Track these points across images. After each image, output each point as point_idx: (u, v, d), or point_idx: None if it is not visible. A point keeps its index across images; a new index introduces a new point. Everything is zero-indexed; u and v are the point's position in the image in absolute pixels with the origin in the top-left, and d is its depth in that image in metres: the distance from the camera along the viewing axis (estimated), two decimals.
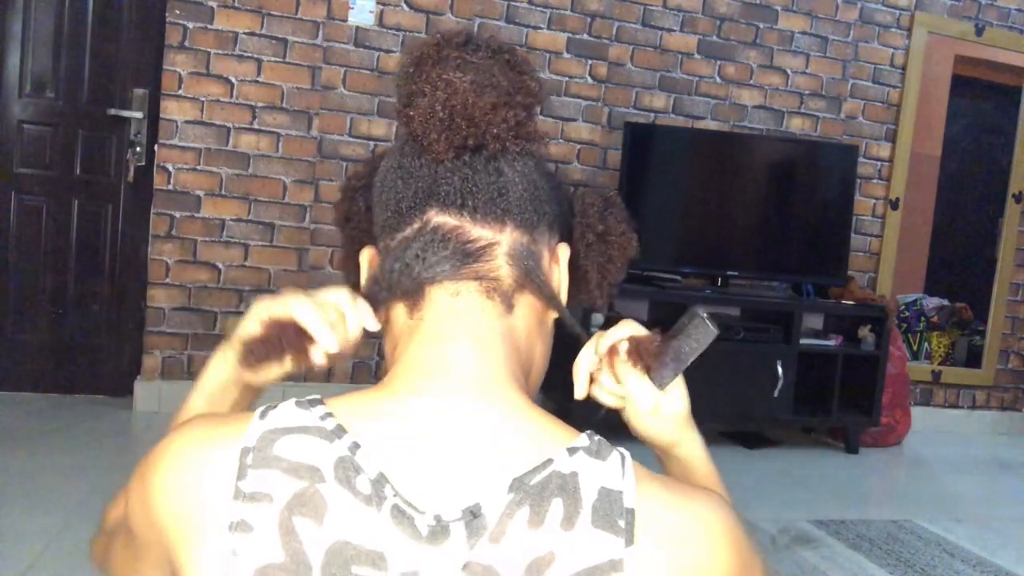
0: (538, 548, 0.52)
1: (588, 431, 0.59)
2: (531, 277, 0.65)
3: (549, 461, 0.55)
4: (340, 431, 0.55)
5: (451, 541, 0.53)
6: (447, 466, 0.55)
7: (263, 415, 0.56)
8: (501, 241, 0.64)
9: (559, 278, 0.70)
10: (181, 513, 0.54)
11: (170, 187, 3.34)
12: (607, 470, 0.55)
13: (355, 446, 0.55)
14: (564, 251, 0.71)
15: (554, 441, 0.57)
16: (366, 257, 0.73)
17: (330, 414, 0.56)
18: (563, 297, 0.71)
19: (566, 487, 0.54)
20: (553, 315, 0.70)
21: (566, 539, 0.53)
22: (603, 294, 0.76)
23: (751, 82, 3.99)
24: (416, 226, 0.64)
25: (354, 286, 0.72)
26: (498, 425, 0.58)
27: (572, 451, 0.56)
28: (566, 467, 0.55)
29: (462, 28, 0.68)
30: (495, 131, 0.64)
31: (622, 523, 0.53)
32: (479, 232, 0.64)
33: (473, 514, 0.53)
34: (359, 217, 0.80)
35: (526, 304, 0.67)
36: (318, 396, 0.58)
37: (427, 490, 0.54)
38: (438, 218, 0.64)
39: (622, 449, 0.58)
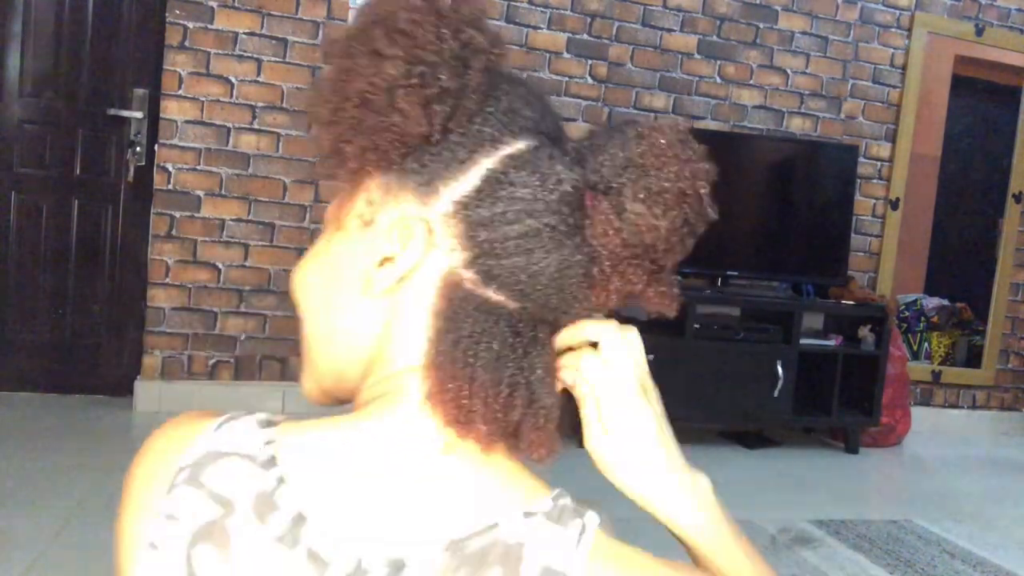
0: None
1: (559, 489, 0.52)
2: None
3: (494, 526, 0.49)
4: (271, 463, 0.51)
5: None
6: (378, 508, 0.50)
7: (218, 427, 0.54)
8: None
9: None
10: (125, 518, 0.54)
11: (170, 187, 3.34)
12: (560, 542, 0.48)
13: (280, 480, 0.50)
14: None
15: (510, 500, 0.50)
16: (423, 237, 0.52)
17: (272, 441, 0.52)
18: None
19: (508, 559, 0.48)
20: None
21: None
22: (671, 302, 0.61)
23: (751, 82, 3.99)
24: (513, 305, 0.53)
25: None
26: (451, 471, 0.51)
27: (528, 515, 0.49)
28: (512, 536, 0.48)
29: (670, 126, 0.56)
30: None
31: None
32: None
33: (396, 568, 0.48)
34: (407, 138, 0.52)
35: None
36: (279, 417, 0.54)
37: (350, 531, 0.49)
38: (537, 326, 0.54)
39: (593, 514, 0.50)
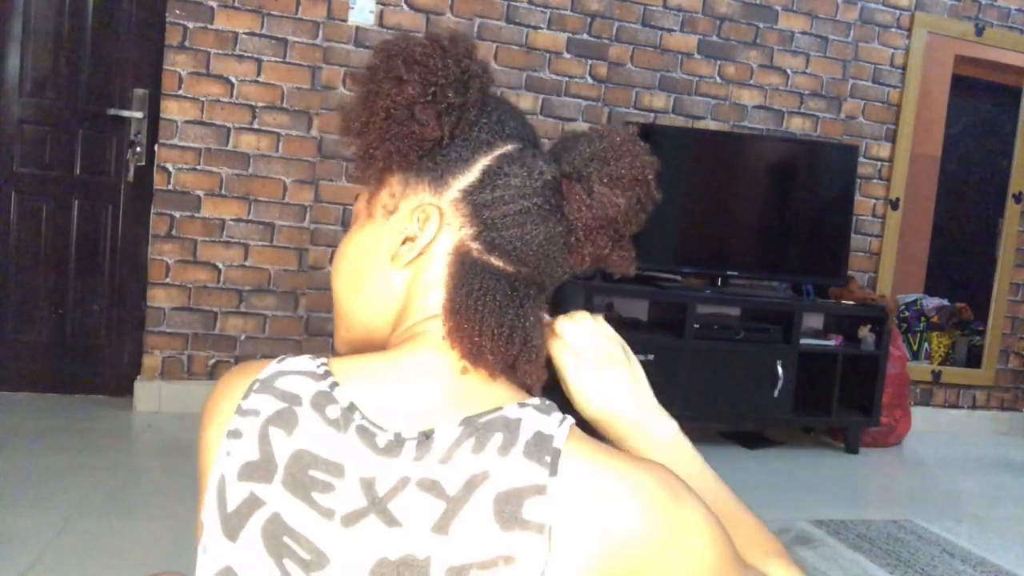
0: (477, 467, 0.61)
1: (543, 397, 0.67)
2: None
3: (499, 408, 0.64)
4: (327, 375, 0.68)
5: (404, 454, 0.63)
6: (413, 402, 0.66)
7: (280, 360, 0.71)
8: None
9: None
10: (208, 425, 0.69)
11: (170, 187, 3.34)
12: (547, 421, 0.63)
13: (334, 384, 0.67)
14: None
15: (511, 397, 0.66)
16: (435, 218, 0.70)
17: (325, 364, 0.69)
18: None
19: (508, 426, 0.63)
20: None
21: (501, 463, 0.61)
22: (627, 260, 0.80)
23: (751, 82, 3.99)
24: (511, 269, 0.71)
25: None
26: (466, 380, 0.67)
27: (522, 405, 0.65)
28: (513, 414, 0.64)
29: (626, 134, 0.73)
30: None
31: (548, 458, 0.61)
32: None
33: (426, 436, 0.63)
34: (423, 142, 0.69)
35: None
36: (327, 357, 0.71)
37: (392, 416, 0.65)
38: (530, 289, 0.72)
39: (570, 416, 0.65)
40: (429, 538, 0.61)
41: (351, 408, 0.65)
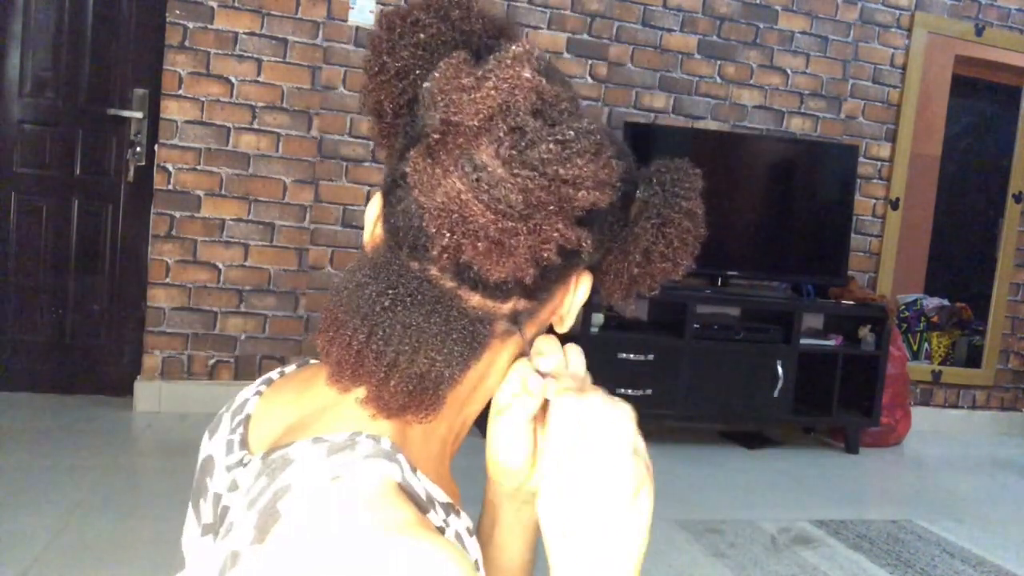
0: (234, 515, 0.56)
1: (373, 437, 0.54)
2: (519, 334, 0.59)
3: (291, 444, 0.56)
4: (267, 383, 0.68)
5: (232, 476, 0.62)
6: (275, 417, 0.63)
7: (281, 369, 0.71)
8: (500, 310, 0.57)
9: (568, 307, 0.62)
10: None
11: (170, 187, 3.34)
12: (313, 469, 0.52)
13: (259, 393, 0.67)
14: (585, 281, 0.62)
15: (317, 428, 0.57)
16: (376, 208, 0.61)
17: (282, 372, 0.69)
18: (570, 320, 0.63)
19: (276, 471, 0.54)
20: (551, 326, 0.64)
21: (245, 516, 0.54)
22: (627, 303, 0.67)
23: (751, 82, 3.99)
24: (414, 265, 0.55)
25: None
26: (322, 405, 0.60)
27: (318, 441, 0.54)
28: (295, 453, 0.54)
29: (532, 83, 0.50)
30: (518, 273, 0.54)
31: (267, 520, 0.51)
32: (478, 300, 0.56)
33: (244, 464, 0.61)
34: (386, 119, 0.61)
35: (500, 348, 0.60)
36: (313, 362, 0.68)
37: (258, 430, 0.63)
38: (436, 273, 0.55)
39: (372, 468, 0.52)
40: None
41: (244, 420, 0.65)
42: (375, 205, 0.60)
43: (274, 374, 0.69)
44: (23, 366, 3.39)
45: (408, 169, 0.53)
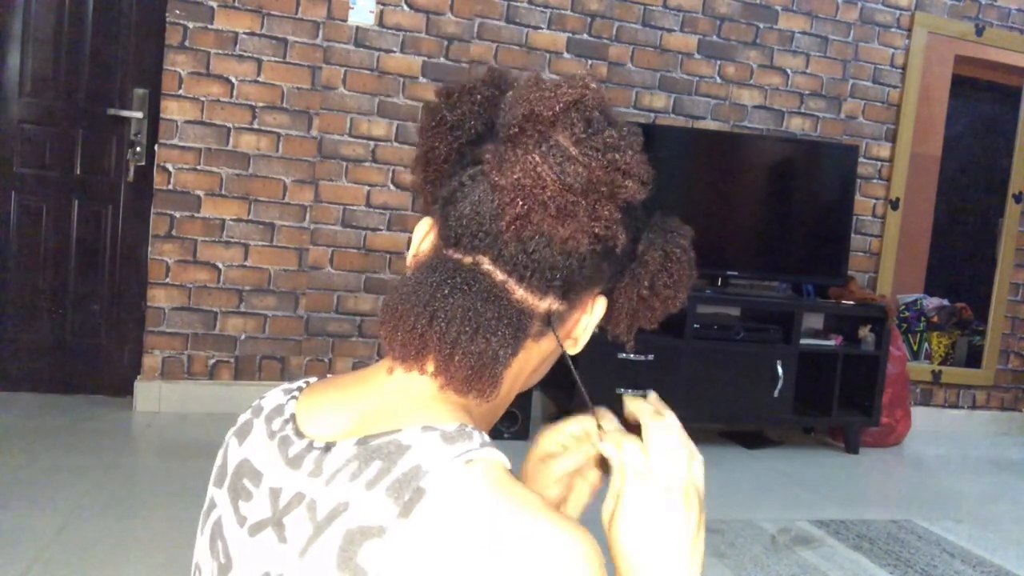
0: (343, 496, 0.58)
1: (477, 429, 0.60)
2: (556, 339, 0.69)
3: (396, 430, 0.60)
4: (298, 390, 0.71)
5: (304, 466, 0.62)
6: (341, 409, 0.65)
7: (292, 382, 0.74)
8: (538, 307, 0.66)
9: (585, 325, 0.72)
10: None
11: (170, 187, 3.34)
12: (440, 453, 0.57)
13: (293, 397, 0.70)
14: (601, 304, 0.71)
15: (425, 418, 0.61)
16: (422, 229, 0.70)
17: (307, 383, 0.72)
18: (584, 338, 0.72)
19: (392, 454, 0.58)
20: (567, 346, 0.72)
21: (364, 496, 0.57)
22: (628, 337, 0.77)
23: (751, 82, 3.99)
24: (467, 260, 0.65)
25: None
26: (396, 388, 0.65)
27: (427, 429, 0.59)
28: (407, 439, 0.59)
29: (587, 95, 0.63)
30: (568, 243, 0.63)
31: (407, 497, 0.55)
32: (521, 294, 0.65)
33: (326, 449, 0.62)
34: (435, 164, 0.72)
35: (532, 348, 0.69)
36: (327, 376, 0.73)
37: (318, 424, 0.65)
38: (488, 266, 0.64)
39: (493, 455, 0.58)
40: (295, 562, 0.59)
41: (289, 419, 0.67)
42: (423, 225, 0.69)
43: (297, 383, 0.72)
44: (23, 366, 3.39)
45: (486, 156, 0.63)
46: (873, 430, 3.87)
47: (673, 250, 0.74)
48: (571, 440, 0.76)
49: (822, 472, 3.52)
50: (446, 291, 0.62)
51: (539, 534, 0.53)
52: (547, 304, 0.66)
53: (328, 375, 0.73)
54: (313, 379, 0.73)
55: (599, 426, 0.71)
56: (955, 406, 4.49)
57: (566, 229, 0.62)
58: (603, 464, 0.73)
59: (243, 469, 0.67)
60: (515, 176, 0.61)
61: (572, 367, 0.70)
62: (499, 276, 0.64)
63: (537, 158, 0.60)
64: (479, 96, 0.71)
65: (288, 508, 0.61)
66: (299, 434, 0.65)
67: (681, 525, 0.65)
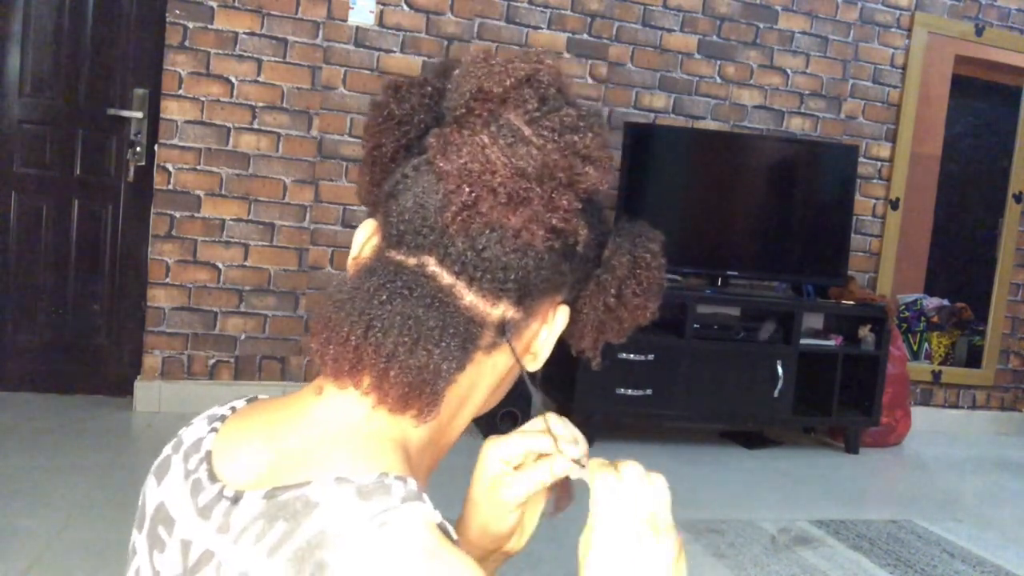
0: (246, 563, 0.52)
1: (401, 476, 0.53)
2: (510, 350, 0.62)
3: (307, 483, 0.53)
4: (221, 419, 0.63)
5: (213, 518, 0.56)
6: (258, 456, 0.58)
7: (223, 404, 0.66)
8: (490, 315, 0.59)
9: (545, 337, 0.65)
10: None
11: (170, 187, 3.34)
12: (349, 515, 0.50)
13: (214, 430, 0.62)
14: (563, 313, 0.65)
15: (336, 461, 0.54)
16: (365, 231, 0.64)
17: (233, 408, 0.65)
18: (545, 353, 0.66)
19: (298, 515, 0.51)
20: (526, 361, 0.65)
21: (265, 566, 0.50)
22: (595, 352, 0.70)
23: (751, 82, 3.99)
24: (411, 262, 0.58)
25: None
26: (318, 433, 0.57)
27: (341, 481, 0.52)
28: (316, 495, 0.52)
29: (540, 70, 0.57)
30: (522, 238, 0.57)
31: (308, 572, 0.48)
32: (471, 299, 0.58)
33: (234, 501, 0.55)
34: (381, 163, 0.65)
35: (484, 363, 0.62)
36: (263, 397, 0.66)
37: (233, 466, 0.59)
38: (434, 268, 0.58)
39: (414, 514, 0.50)
40: None
41: (204, 458, 0.60)
42: (366, 227, 0.63)
43: (223, 409, 0.65)
44: (23, 366, 3.39)
45: (430, 141, 0.57)
46: (873, 430, 3.87)
47: (643, 255, 0.66)
48: (518, 457, 0.67)
49: (822, 472, 3.52)
50: (384, 297, 0.56)
51: None
52: (500, 311, 0.59)
53: (260, 396, 0.66)
54: (241, 402, 0.65)
55: (565, 467, 0.64)
56: (955, 406, 4.49)
57: (518, 218, 0.55)
58: (560, 487, 0.68)
59: (159, 514, 0.61)
60: (461, 160, 0.55)
61: (532, 387, 0.64)
62: (446, 279, 0.57)
63: (486, 139, 0.55)
64: (430, 88, 0.63)
65: (198, 566, 0.55)
66: (212, 477, 0.58)
67: (663, 552, 0.58)
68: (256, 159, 3.41)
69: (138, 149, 3.39)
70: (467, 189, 0.55)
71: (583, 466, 0.63)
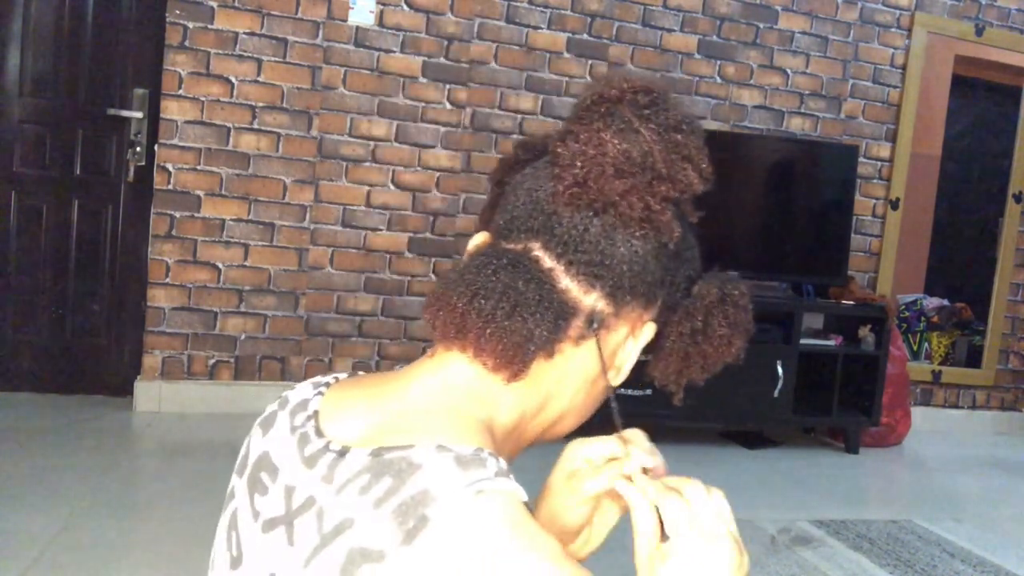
0: (350, 511, 0.56)
1: (494, 455, 0.57)
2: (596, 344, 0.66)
3: (411, 446, 0.57)
4: (326, 385, 0.69)
5: (318, 469, 0.61)
6: (361, 419, 0.63)
7: (324, 375, 0.73)
8: (582, 302, 0.64)
9: (627, 353, 0.69)
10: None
11: (170, 187, 3.34)
12: (451, 479, 0.54)
13: (320, 393, 0.68)
14: (649, 330, 0.69)
15: (439, 435, 0.59)
16: (477, 240, 0.71)
17: (336, 379, 0.70)
18: (625, 371, 0.70)
19: (403, 472, 0.56)
20: (611, 376, 0.69)
21: (371, 515, 0.55)
22: (679, 385, 0.72)
23: (751, 82, 3.99)
24: (518, 247, 0.65)
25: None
26: (417, 407, 0.62)
27: (442, 449, 0.57)
28: (419, 458, 0.56)
29: (654, 85, 0.65)
30: (621, 210, 0.63)
31: (411, 523, 0.53)
32: (567, 284, 0.64)
33: (341, 455, 0.60)
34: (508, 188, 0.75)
35: (572, 357, 0.66)
36: (361, 373, 0.72)
37: (340, 423, 0.64)
38: (538, 252, 0.64)
39: (507, 487, 0.55)
40: (300, 571, 0.58)
41: (311, 416, 0.66)
42: (477, 237, 0.70)
43: (327, 378, 0.71)
44: (23, 366, 3.39)
45: (550, 137, 0.65)
46: (873, 430, 3.87)
47: (731, 291, 0.72)
48: (599, 459, 0.71)
49: (822, 472, 3.52)
50: (489, 271, 0.62)
51: (555, 569, 0.51)
52: (592, 300, 0.64)
53: (360, 373, 0.72)
54: (343, 375, 0.71)
55: (635, 466, 0.67)
56: (955, 406, 4.49)
57: (621, 186, 0.61)
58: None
59: (263, 462, 0.66)
60: (578, 145, 0.62)
61: (616, 413, 0.67)
62: (547, 263, 0.64)
63: (601, 125, 0.62)
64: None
65: (300, 510, 0.60)
66: (319, 432, 0.64)
67: (730, 569, 0.61)
68: (256, 159, 3.41)
69: (138, 149, 3.39)
70: (579, 165, 0.62)
71: (647, 473, 0.65)
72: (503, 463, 0.57)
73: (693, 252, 0.71)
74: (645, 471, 0.66)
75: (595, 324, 0.65)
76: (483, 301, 0.61)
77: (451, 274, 0.65)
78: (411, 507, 0.54)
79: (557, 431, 0.71)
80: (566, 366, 0.66)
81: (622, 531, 0.67)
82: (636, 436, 0.69)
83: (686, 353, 0.70)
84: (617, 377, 0.69)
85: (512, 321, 0.61)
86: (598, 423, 0.73)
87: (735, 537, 0.62)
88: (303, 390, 0.69)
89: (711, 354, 0.70)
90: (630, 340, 0.68)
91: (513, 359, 0.62)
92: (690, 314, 0.70)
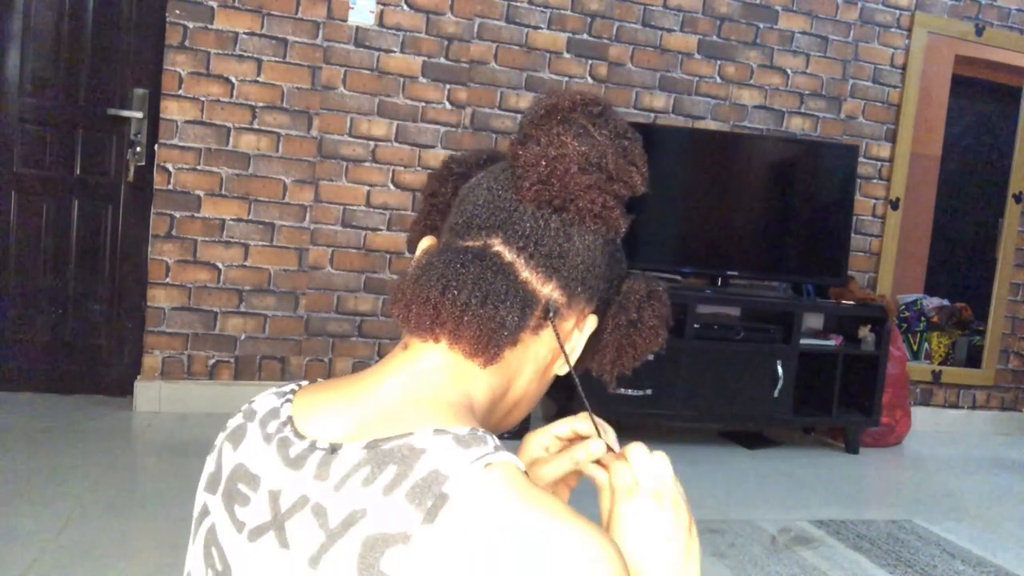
0: (359, 503, 0.57)
1: (488, 434, 0.60)
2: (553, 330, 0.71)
3: (408, 434, 0.59)
4: (291, 392, 0.71)
5: (307, 468, 0.62)
6: (346, 406, 0.65)
7: (280, 386, 0.74)
8: (540, 292, 0.69)
9: (575, 343, 0.74)
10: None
11: (170, 187, 3.34)
12: (457, 458, 0.57)
13: (288, 400, 0.69)
14: (591, 322, 0.74)
15: (432, 421, 0.61)
16: (425, 244, 0.75)
17: (299, 386, 0.72)
18: (575, 354, 0.74)
19: (407, 458, 0.58)
20: (555, 367, 0.75)
21: (382, 502, 0.56)
22: (613, 374, 0.78)
23: (751, 82, 3.99)
24: (478, 244, 0.69)
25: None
26: (400, 399, 0.65)
27: (439, 432, 0.59)
28: (420, 443, 0.59)
29: (600, 98, 0.71)
30: (581, 205, 0.68)
31: (430, 503, 0.55)
32: (527, 275, 0.68)
33: (331, 451, 0.61)
34: (442, 198, 0.81)
35: (529, 346, 0.71)
36: (318, 380, 0.73)
37: (319, 423, 0.65)
38: (499, 247, 0.68)
39: (509, 459, 0.58)
40: (305, 570, 0.58)
41: (286, 422, 0.67)
42: (424, 242, 0.74)
43: (287, 388, 0.73)
44: (23, 366, 3.39)
45: (510, 142, 0.69)
46: (873, 430, 3.87)
47: (656, 288, 0.78)
48: (553, 441, 0.77)
49: (822, 472, 3.52)
50: (458, 265, 0.66)
51: (567, 539, 0.54)
52: (549, 290, 0.69)
53: (318, 379, 0.73)
54: (304, 383, 0.73)
55: (601, 447, 0.72)
56: (955, 406, 4.49)
57: (587, 180, 0.67)
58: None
59: (238, 474, 0.67)
60: (539, 147, 0.67)
61: (583, 395, 0.72)
62: (508, 257, 0.68)
63: (561, 130, 0.67)
64: (484, 157, 0.80)
65: (291, 512, 0.61)
66: (299, 435, 0.65)
67: (672, 525, 0.68)
68: (256, 159, 3.41)
69: (138, 149, 3.39)
70: (543, 164, 0.67)
71: (615, 451, 0.71)
72: (496, 439, 0.60)
73: (622, 253, 0.77)
74: (609, 449, 0.72)
75: (551, 313, 0.69)
76: (456, 291, 0.65)
77: (412, 273, 0.68)
78: (425, 488, 0.55)
79: (510, 420, 0.76)
80: (524, 354, 0.71)
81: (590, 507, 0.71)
82: (585, 420, 0.75)
83: (620, 344, 0.76)
84: (564, 367, 0.74)
85: (486, 309, 0.65)
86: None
87: (675, 496, 0.68)
88: (267, 400, 0.71)
89: (641, 344, 0.77)
90: (576, 332, 0.73)
91: (488, 345, 0.65)
92: (624, 308, 0.76)
